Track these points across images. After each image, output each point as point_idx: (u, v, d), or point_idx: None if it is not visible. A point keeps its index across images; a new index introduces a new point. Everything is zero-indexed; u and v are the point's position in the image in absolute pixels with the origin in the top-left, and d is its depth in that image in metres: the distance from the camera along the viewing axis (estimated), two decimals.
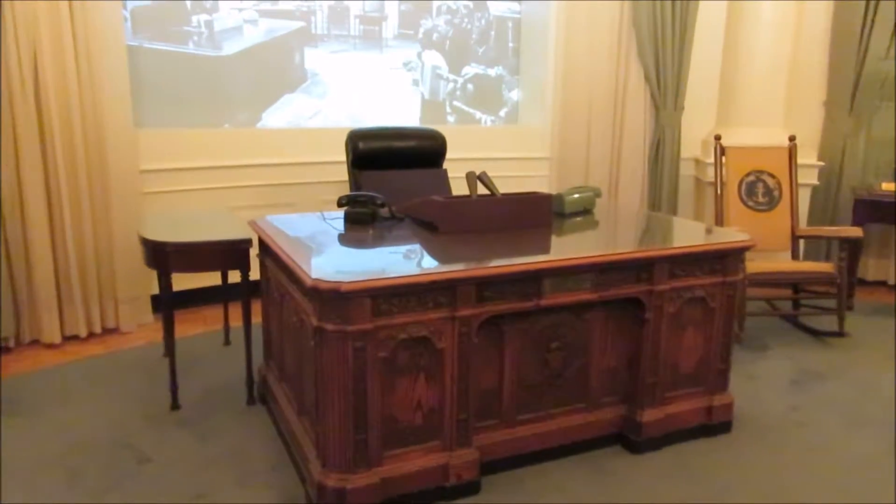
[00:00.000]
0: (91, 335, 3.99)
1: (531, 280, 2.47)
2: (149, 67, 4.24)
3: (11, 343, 3.79)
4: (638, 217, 3.98)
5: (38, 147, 3.68)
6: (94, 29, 3.72)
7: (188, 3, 4.35)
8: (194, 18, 4.38)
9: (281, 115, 4.75)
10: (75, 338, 3.95)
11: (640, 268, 2.66)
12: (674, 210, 5.27)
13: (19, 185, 3.68)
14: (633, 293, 2.68)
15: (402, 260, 2.65)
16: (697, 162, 5.33)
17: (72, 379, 3.46)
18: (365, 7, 4.88)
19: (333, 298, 2.16)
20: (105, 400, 3.23)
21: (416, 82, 5.17)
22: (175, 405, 3.13)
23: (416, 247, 2.80)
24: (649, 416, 2.78)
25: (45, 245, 3.77)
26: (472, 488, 2.49)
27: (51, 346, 3.86)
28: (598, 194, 3.56)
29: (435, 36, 5.15)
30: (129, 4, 4.12)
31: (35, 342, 3.87)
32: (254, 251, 3.06)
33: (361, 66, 4.94)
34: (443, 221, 2.84)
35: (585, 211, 3.44)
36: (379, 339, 2.25)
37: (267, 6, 4.57)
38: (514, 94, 5.52)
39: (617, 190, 5.25)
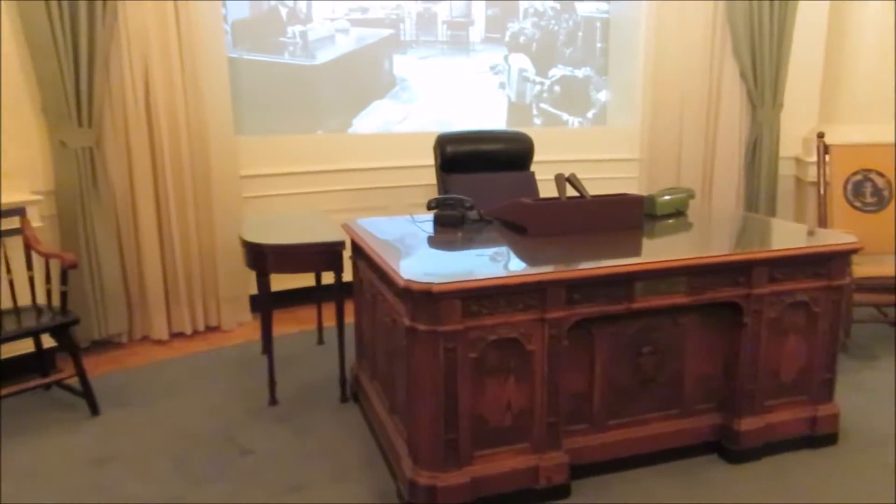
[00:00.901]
0: (195, 333, 4.21)
1: (622, 283, 2.43)
2: (247, 77, 4.44)
3: (124, 339, 4.06)
4: (734, 219, 3.85)
5: (148, 154, 3.93)
6: (198, 43, 3.93)
7: (284, 15, 4.53)
8: (289, 30, 4.56)
9: (371, 120, 4.87)
10: (181, 335, 4.18)
11: (737, 271, 2.58)
12: (772, 211, 5.06)
13: (132, 191, 3.93)
14: (730, 297, 2.59)
15: (491, 262, 2.67)
16: (798, 161, 5.10)
17: (178, 373, 3.67)
18: (452, 12, 4.93)
19: (425, 299, 2.21)
20: (208, 394, 3.41)
21: (502, 85, 5.19)
22: (273, 401, 3.26)
23: (505, 249, 2.81)
24: (747, 424, 2.68)
25: (154, 248, 4.01)
26: (561, 492, 2.48)
27: (159, 342, 4.10)
28: (691, 196, 3.47)
29: (522, 39, 5.14)
30: (230, 18, 4.33)
31: (145, 338, 4.13)
32: (347, 253, 3.15)
33: (449, 70, 5.00)
34: (532, 224, 2.84)
35: (678, 213, 3.35)
36: (469, 340, 2.28)
37: (358, 15, 4.70)
38: (602, 95, 5.44)
39: (711, 191, 5.09)
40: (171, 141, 3.95)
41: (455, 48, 5.00)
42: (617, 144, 5.20)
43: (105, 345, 3.99)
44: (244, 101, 4.41)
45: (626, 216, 2.96)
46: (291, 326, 4.25)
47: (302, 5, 4.56)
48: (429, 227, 3.10)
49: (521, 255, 2.72)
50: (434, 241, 2.93)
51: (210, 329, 4.28)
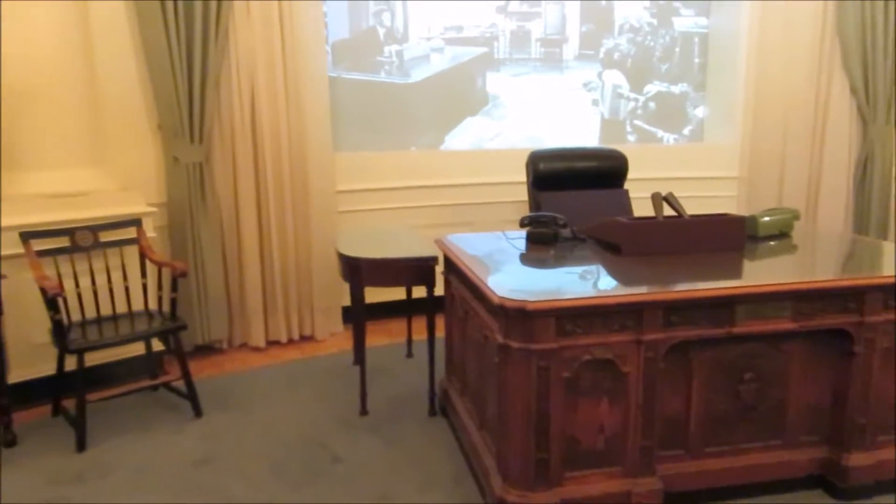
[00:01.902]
0: (290, 341, 4.36)
1: (723, 306, 2.36)
2: (345, 96, 4.59)
3: (225, 345, 4.25)
4: (842, 241, 3.66)
5: (252, 170, 4.12)
6: (301, 63, 4.10)
7: (382, 35, 4.66)
8: (386, 49, 4.69)
9: (463, 137, 4.92)
10: (277, 343, 4.34)
11: (847, 297, 2.45)
12: (884, 234, 4.77)
13: (236, 204, 4.13)
14: (840, 324, 2.46)
15: (584, 281, 2.64)
16: None
17: (274, 380, 3.81)
18: (546, 30, 4.94)
19: (519, 317, 2.21)
20: (302, 401, 3.52)
21: (595, 102, 5.14)
22: (364, 411, 3.33)
23: (600, 268, 2.78)
24: (857, 460, 2.53)
25: (254, 259, 4.19)
26: None
27: (256, 349, 4.27)
28: (795, 216, 3.33)
29: (616, 55, 5.09)
30: (330, 39, 4.49)
31: (244, 345, 4.31)
32: (439, 268, 3.19)
33: (541, 87, 5.00)
34: (627, 243, 2.80)
35: (781, 234, 3.22)
36: (563, 359, 2.26)
37: (453, 34, 4.78)
38: (700, 112, 5.30)
39: (816, 212, 4.86)
40: (273, 157, 4.13)
41: (548, 65, 5.00)
42: (715, 162, 5.05)
43: (207, 350, 4.19)
44: (342, 119, 4.55)
45: (727, 237, 2.87)
46: (382, 338, 4.33)
47: (399, 25, 4.68)
48: (521, 244, 3.10)
49: (616, 275, 2.68)
50: (527, 259, 2.93)
51: (304, 338, 4.42)
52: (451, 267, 3.04)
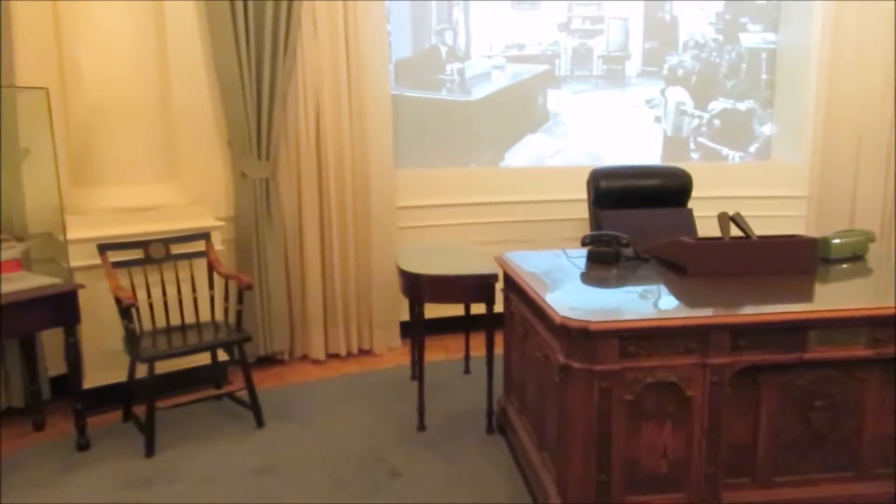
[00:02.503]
0: (349, 354, 4.43)
1: (794, 331, 2.28)
2: (407, 113, 4.66)
3: (286, 357, 4.34)
4: None
5: (315, 185, 4.21)
6: (365, 82, 4.19)
7: (444, 53, 4.72)
8: (448, 67, 4.74)
9: (523, 154, 4.93)
10: (336, 356, 4.40)
11: None
12: None
13: (300, 219, 4.23)
14: None
15: (648, 301, 2.60)
16: None
17: (333, 393, 3.86)
18: (609, 47, 4.91)
19: (581, 337, 2.19)
20: (361, 415, 3.56)
21: (658, 119, 5.07)
22: (422, 426, 3.35)
23: (663, 289, 2.73)
24: None
25: (316, 272, 4.27)
26: None
27: (316, 361, 4.34)
28: (870, 239, 3.20)
29: (680, 72, 5.02)
30: (394, 57, 4.57)
31: (304, 357, 4.39)
32: (499, 285, 3.19)
33: (603, 104, 4.97)
34: (693, 264, 2.75)
35: (855, 257, 3.10)
36: (625, 381, 2.23)
37: (514, 52, 4.80)
38: (767, 129, 5.17)
39: (892, 234, 4.66)
40: (336, 173, 4.22)
41: (610, 82, 4.97)
42: (782, 181, 4.91)
43: (269, 361, 4.28)
44: (403, 136, 4.61)
45: (797, 259, 2.78)
46: (439, 354, 4.35)
47: (461, 44, 4.73)
48: (581, 263, 3.07)
49: (681, 296, 2.63)
50: (588, 278, 2.91)
51: (363, 352, 4.48)
52: (511, 285, 3.04)
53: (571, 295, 2.68)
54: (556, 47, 4.84)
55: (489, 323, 3.22)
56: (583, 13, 4.84)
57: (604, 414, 2.23)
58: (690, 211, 3.86)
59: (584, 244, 3.11)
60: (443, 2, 4.66)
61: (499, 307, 3.22)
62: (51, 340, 3.55)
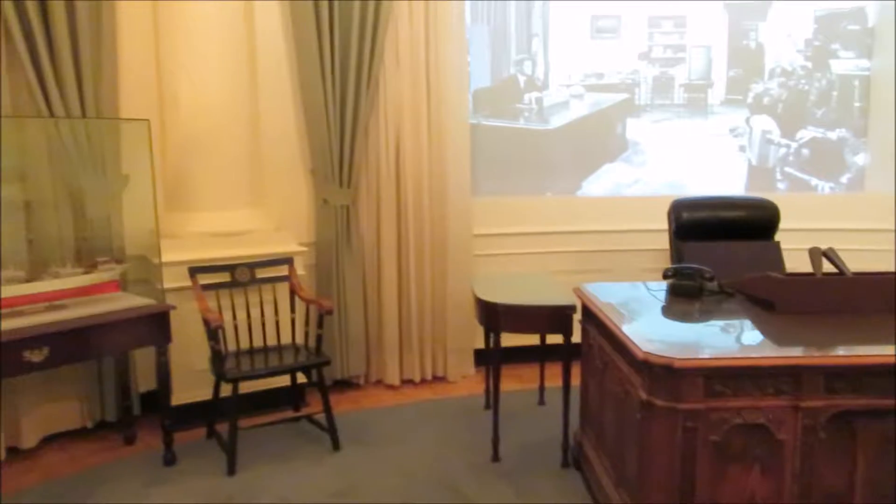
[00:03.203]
0: (423, 381, 4.45)
1: (894, 375, 2.16)
2: (484, 142, 4.69)
3: (361, 381, 4.40)
4: None
5: (394, 213, 4.29)
6: (444, 112, 4.26)
7: (522, 83, 4.75)
8: (526, 96, 4.76)
9: (601, 183, 4.88)
10: (410, 382, 4.43)
11: None
12: None
13: (378, 245, 4.31)
14: None
15: (734, 339, 2.52)
16: None
17: (408, 418, 3.88)
18: (691, 75, 4.83)
19: (665, 374, 2.14)
20: (435, 442, 3.56)
21: (742, 148, 4.94)
22: (496, 457, 3.32)
23: (750, 325, 2.64)
24: None
25: (393, 298, 4.33)
26: None
27: (391, 386, 4.38)
28: None
29: (766, 100, 4.88)
30: (472, 87, 4.62)
31: (379, 382, 4.43)
32: (577, 316, 3.16)
33: (684, 133, 4.88)
34: (782, 300, 2.64)
35: None
36: (711, 421, 2.16)
37: (593, 81, 4.79)
38: (860, 159, 4.95)
39: None
40: (414, 200, 4.29)
41: (692, 111, 4.88)
42: (877, 212, 4.68)
43: (345, 384, 4.35)
44: (480, 164, 4.65)
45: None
46: (513, 384, 4.31)
47: (540, 73, 4.75)
48: (662, 296, 3.01)
49: (770, 335, 2.53)
50: (670, 312, 2.84)
51: (437, 378, 4.49)
52: (590, 316, 3.00)
53: (653, 329, 2.62)
54: (636, 76, 4.80)
55: (566, 354, 3.18)
56: (664, 42, 4.78)
57: (687, 454, 2.16)
58: (778, 244, 3.72)
59: (665, 277, 3.05)
60: (522, 33, 4.70)
61: (576, 338, 3.18)
62: (141, 358, 3.72)
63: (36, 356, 2.89)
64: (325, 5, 3.92)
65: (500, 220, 4.65)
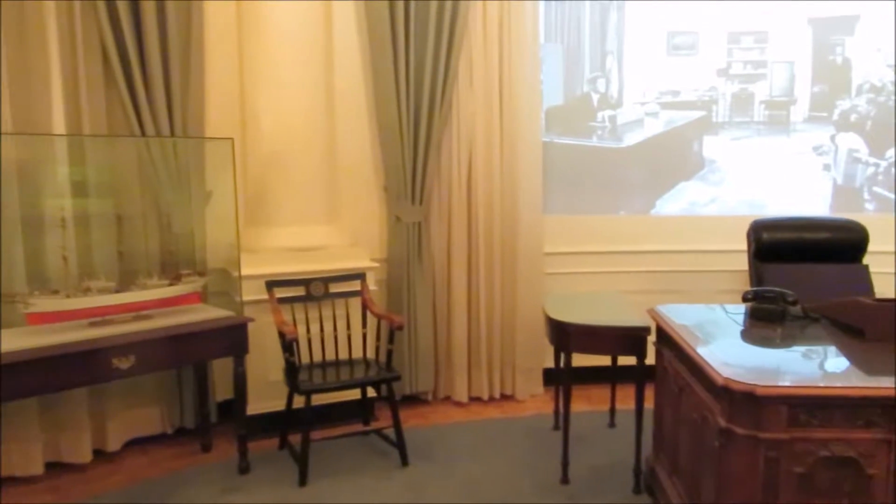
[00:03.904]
0: (491, 399, 4.43)
1: None
2: (556, 160, 4.67)
3: (429, 397, 4.42)
4: None
5: (465, 230, 4.31)
6: (517, 129, 4.28)
7: (595, 101, 4.71)
8: (600, 115, 4.72)
9: (675, 202, 4.77)
10: (478, 399, 4.42)
11: None
12: None
13: (448, 262, 4.34)
14: None
15: (818, 366, 2.41)
16: None
17: (476, 436, 3.87)
18: (772, 91, 4.69)
19: (746, 402, 2.06)
20: (503, 461, 3.53)
21: (827, 167, 4.74)
22: (565, 479, 3.27)
23: (837, 352, 2.52)
24: None
25: (462, 315, 4.34)
26: None
27: (459, 403, 4.38)
28: None
29: (853, 117, 4.68)
30: (545, 105, 4.61)
31: (447, 398, 4.44)
32: (651, 338, 3.09)
33: (764, 151, 4.73)
34: (873, 327, 2.52)
35: None
36: (795, 453, 2.07)
37: (669, 98, 4.71)
38: None
39: None
40: (485, 218, 4.30)
41: (773, 128, 4.72)
42: None
43: (412, 400, 4.38)
44: (552, 182, 4.62)
45: None
46: (583, 405, 4.25)
47: (613, 91, 4.70)
48: (741, 319, 2.91)
49: (858, 363, 2.41)
50: (749, 336, 2.75)
51: (505, 397, 4.46)
52: (665, 339, 2.93)
53: (732, 353, 2.54)
54: (714, 93, 4.69)
55: (639, 377, 3.12)
56: (744, 58, 4.66)
57: (769, 486, 2.08)
58: (866, 267, 3.56)
59: (745, 300, 2.95)
60: (596, 51, 4.67)
61: (649, 360, 3.11)
62: (218, 368, 3.84)
63: (123, 363, 3.03)
64: (400, 28, 4.01)
65: (572, 239, 4.62)
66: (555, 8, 4.60)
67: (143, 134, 3.54)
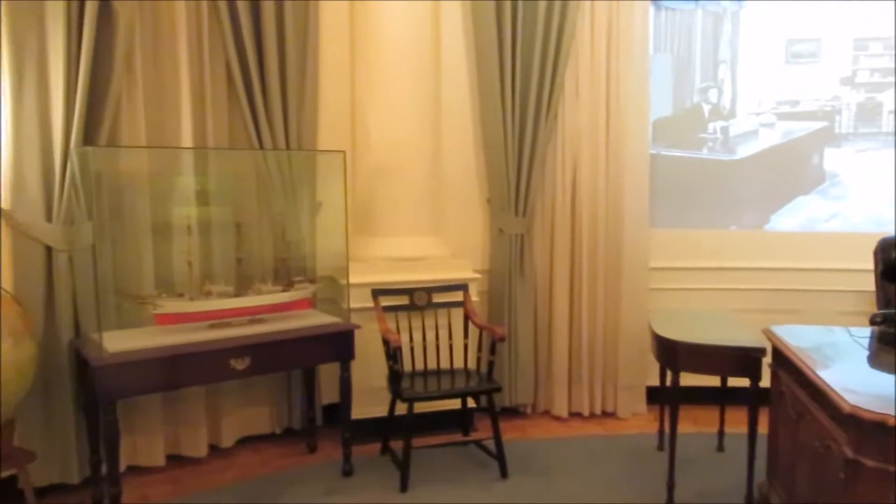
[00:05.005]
0: (591, 415, 4.35)
1: None
2: (663, 172, 4.54)
3: (528, 410, 4.38)
4: None
5: (568, 243, 4.27)
6: (623, 142, 4.21)
7: (706, 112, 4.56)
8: (711, 126, 4.56)
9: (792, 217, 4.54)
10: (578, 415, 4.35)
11: None
12: None
13: (550, 275, 4.31)
14: None
15: None
16: None
17: (575, 452, 3.81)
18: None
19: (877, 431, 1.94)
20: (604, 480, 3.46)
21: None
22: (670, 503, 3.16)
23: None
24: None
25: (563, 329, 4.30)
26: None
27: (558, 418, 4.33)
28: None
29: None
30: (652, 116, 4.51)
31: (546, 412, 4.40)
32: (766, 360, 2.95)
33: (893, 165, 4.42)
34: None
35: None
36: None
37: (786, 109, 4.49)
38: None
39: None
40: (589, 231, 4.25)
41: None
42: None
43: (511, 412, 4.36)
44: (659, 195, 4.50)
45: None
46: (688, 426, 4.09)
47: (726, 101, 4.54)
48: (867, 343, 2.73)
49: None
50: (878, 362, 2.57)
51: (606, 414, 4.37)
52: (782, 361, 2.79)
53: (857, 379, 2.38)
54: (837, 102, 4.44)
55: (753, 399, 2.98)
56: (871, 65, 4.39)
57: None
58: None
59: (873, 323, 2.77)
60: (708, 60, 4.53)
61: (766, 383, 2.97)
62: (324, 372, 3.97)
63: (239, 364, 3.19)
64: (507, 40, 4.03)
65: (679, 254, 4.48)
66: (664, 18, 4.49)
67: (261, 146, 3.72)
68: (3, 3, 2.99)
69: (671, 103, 4.58)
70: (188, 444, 3.70)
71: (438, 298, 3.83)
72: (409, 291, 3.78)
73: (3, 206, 3.08)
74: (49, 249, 3.17)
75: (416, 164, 4.02)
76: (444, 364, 3.80)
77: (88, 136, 3.22)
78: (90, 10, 3.12)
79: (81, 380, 3.21)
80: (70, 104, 3.12)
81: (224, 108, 3.73)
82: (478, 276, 4.05)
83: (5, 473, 2.95)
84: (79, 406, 3.25)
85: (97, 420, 3.16)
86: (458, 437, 3.96)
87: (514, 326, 4.20)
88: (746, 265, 4.42)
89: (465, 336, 3.81)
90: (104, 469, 3.10)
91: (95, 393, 2.95)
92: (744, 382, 3.01)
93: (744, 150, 4.56)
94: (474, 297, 3.94)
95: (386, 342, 3.46)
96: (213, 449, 3.81)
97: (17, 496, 2.92)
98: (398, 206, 4.00)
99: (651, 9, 4.29)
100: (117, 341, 3.05)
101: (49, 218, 3.16)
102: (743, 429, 3.04)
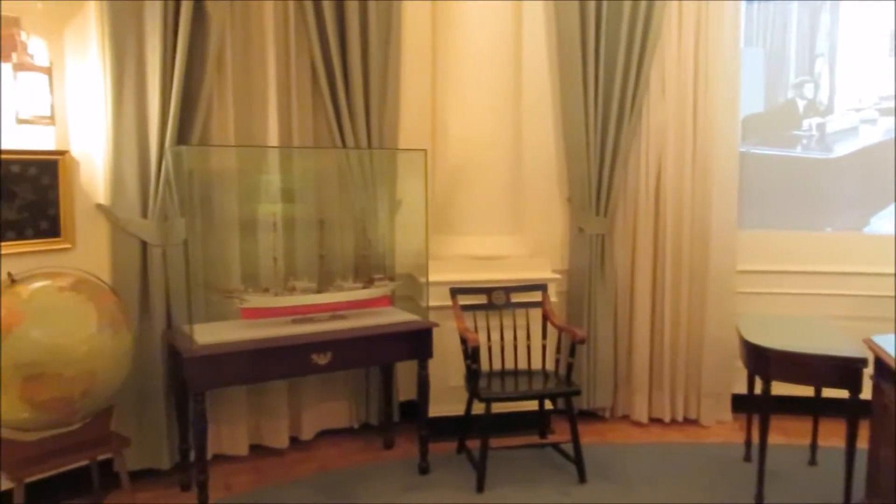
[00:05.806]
0: (673, 421, 4.22)
1: None
2: (752, 171, 4.35)
3: (607, 414, 4.29)
4: None
5: (651, 243, 4.15)
6: (711, 139, 4.05)
7: (801, 107, 4.35)
8: (805, 122, 4.35)
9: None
10: (659, 421, 4.23)
11: None
12: None
13: (632, 276, 4.20)
14: None
15: None
16: None
17: (656, 459, 3.71)
18: None
19: None
20: (686, 490, 3.35)
21: None
22: None
23: None
24: None
25: (645, 332, 4.19)
26: None
27: (638, 423, 4.22)
28: None
29: None
30: (743, 113, 4.32)
31: (625, 417, 4.29)
32: (867, 371, 2.78)
33: None
34: None
35: None
36: None
37: (889, 104, 4.23)
38: None
39: None
40: (673, 231, 4.12)
41: None
42: None
43: (589, 416, 4.27)
44: (748, 195, 4.31)
45: None
46: (777, 437, 3.91)
47: (823, 97, 4.31)
48: None
49: None
50: None
51: (688, 421, 4.23)
52: (886, 373, 2.62)
53: None
54: None
55: (852, 412, 2.82)
56: None
57: None
58: None
59: None
60: (804, 54, 4.31)
61: (866, 394, 2.80)
62: (402, 369, 3.99)
63: (321, 359, 3.25)
64: (591, 40, 3.95)
65: (769, 257, 4.28)
66: (756, 9, 4.30)
67: (344, 145, 3.78)
68: (104, 3, 3.12)
69: (763, 99, 4.39)
70: (270, 435, 3.80)
71: (517, 298, 3.80)
72: (487, 290, 3.76)
73: (104, 202, 3.24)
74: (144, 244, 3.31)
75: (496, 163, 4.00)
76: (522, 365, 3.76)
77: (182, 136, 3.34)
78: (185, 10, 3.23)
79: (173, 370, 3.34)
80: (165, 104, 3.25)
81: (308, 107, 3.80)
82: (557, 276, 3.99)
83: (102, 457, 3.09)
84: (170, 395, 3.39)
85: (187, 409, 3.28)
86: (535, 438, 3.91)
87: (593, 328, 4.12)
88: (843, 269, 4.20)
89: (544, 337, 3.76)
90: (192, 456, 3.22)
91: (185, 383, 3.06)
92: (839, 393, 2.85)
93: (842, 148, 4.32)
94: (553, 298, 3.88)
95: (464, 341, 3.46)
96: (294, 441, 3.90)
97: (113, 478, 3.05)
98: (477, 205, 3.99)
99: (743, 4, 4.12)
100: (206, 334, 3.16)
101: (145, 214, 3.30)
102: (837, 442, 2.89)
